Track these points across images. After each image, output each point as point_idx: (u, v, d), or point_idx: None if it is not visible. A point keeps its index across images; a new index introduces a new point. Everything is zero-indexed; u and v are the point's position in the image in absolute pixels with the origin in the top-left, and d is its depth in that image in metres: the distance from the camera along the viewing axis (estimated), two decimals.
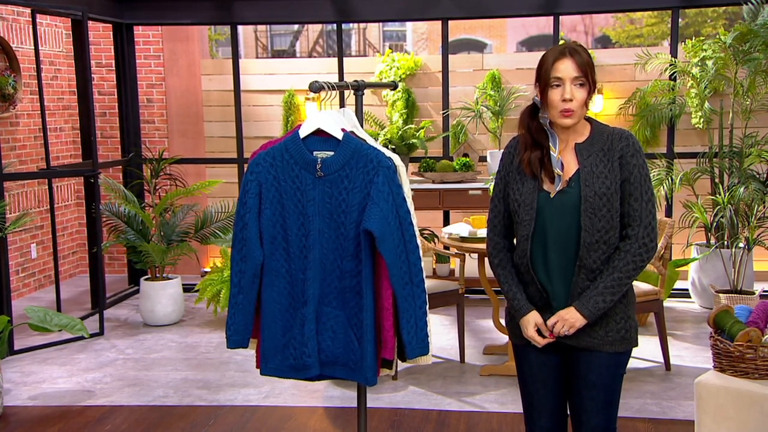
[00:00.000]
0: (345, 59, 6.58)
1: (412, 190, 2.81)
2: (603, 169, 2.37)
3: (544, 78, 2.37)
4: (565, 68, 2.34)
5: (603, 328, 2.43)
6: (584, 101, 2.36)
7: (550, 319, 2.43)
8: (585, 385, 2.47)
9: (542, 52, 2.45)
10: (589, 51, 2.46)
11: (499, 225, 2.53)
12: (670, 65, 6.05)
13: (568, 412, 2.59)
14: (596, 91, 2.45)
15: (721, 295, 5.60)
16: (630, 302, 2.49)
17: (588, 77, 2.35)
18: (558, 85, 2.35)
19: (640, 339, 5.06)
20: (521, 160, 2.44)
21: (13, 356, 5.10)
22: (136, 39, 6.94)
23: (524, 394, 2.60)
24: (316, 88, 2.68)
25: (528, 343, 2.50)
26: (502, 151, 2.58)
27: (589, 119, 2.47)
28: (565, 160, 2.41)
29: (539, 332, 2.46)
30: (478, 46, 18.40)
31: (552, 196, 2.40)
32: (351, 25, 17.86)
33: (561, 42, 6.22)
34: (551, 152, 2.39)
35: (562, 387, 2.55)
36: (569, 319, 2.39)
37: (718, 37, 5.94)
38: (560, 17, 6.22)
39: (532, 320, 2.45)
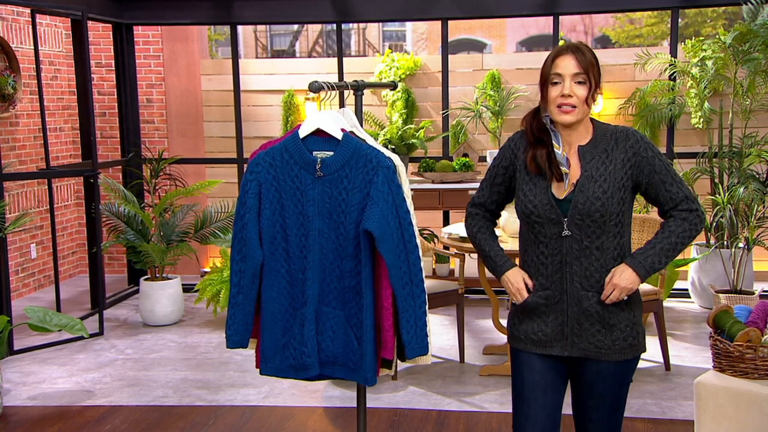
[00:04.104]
0: (345, 59, 6.58)
1: (411, 190, 2.80)
2: (603, 171, 2.32)
3: (543, 74, 2.34)
4: (566, 65, 2.30)
5: (609, 336, 2.35)
6: (585, 99, 2.31)
7: (606, 287, 2.31)
8: (591, 394, 2.41)
9: (542, 52, 2.43)
10: None
11: (494, 204, 2.54)
12: (670, 65, 6.05)
13: (573, 417, 2.52)
14: (599, 91, 2.40)
15: (720, 295, 5.60)
16: (636, 308, 2.42)
17: (589, 75, 2.30)
18: (557, 82, 2.31)
19: None
20: (526, 158, 2.39)
21: (12, 356, 5.10)
22: (135, 39, 6.94)
23: (519, 403, 2.45)
24: (315, 88, 2.67)
25: (530, 347, 2.41)
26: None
27: (591, 119, 2.42)
28: (571, 163, 2.36)
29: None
30: (478, 46, 18.42)
31: (561, 197, 2.34)
32: (351, 25, 17.86)
33: (561, 42, 6.22)
34: (555, 150, 2.34)
35: (561, 400, 2.45)
36: (624, 285, 2.30)
37: (717, 37, 5.94)
38: (560, 17, 6.22)
39: (519, 274, 2.42)
